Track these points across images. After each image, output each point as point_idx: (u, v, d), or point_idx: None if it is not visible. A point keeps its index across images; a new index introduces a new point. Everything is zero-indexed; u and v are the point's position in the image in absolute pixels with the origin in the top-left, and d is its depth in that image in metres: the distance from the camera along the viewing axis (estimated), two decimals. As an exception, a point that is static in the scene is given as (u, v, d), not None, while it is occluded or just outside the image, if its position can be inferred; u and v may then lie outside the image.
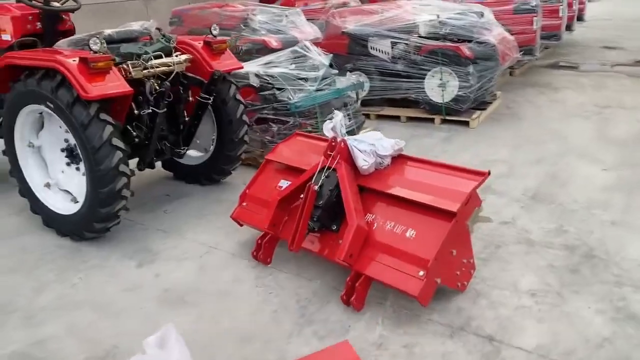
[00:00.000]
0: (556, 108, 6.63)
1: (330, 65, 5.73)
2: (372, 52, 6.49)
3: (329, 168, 3.07)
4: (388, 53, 6.36)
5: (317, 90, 4.93)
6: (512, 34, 7.25)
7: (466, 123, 6.03)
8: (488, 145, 5.39)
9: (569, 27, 9.80)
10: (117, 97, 3.42)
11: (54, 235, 3.80)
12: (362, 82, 5.52)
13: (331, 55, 5.28)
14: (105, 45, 3.58)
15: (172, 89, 4.08)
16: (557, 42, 8.62)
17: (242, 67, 4.40)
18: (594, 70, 8.64)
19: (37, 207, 3.86)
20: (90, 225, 3.55)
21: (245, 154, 4.60)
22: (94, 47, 3.30)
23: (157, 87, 3.69)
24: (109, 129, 3.32)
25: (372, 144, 3.08)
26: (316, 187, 3.00)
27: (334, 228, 3.05)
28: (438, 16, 5.96)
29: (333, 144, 3.10)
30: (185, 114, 4.22)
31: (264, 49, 7.02)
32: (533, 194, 4.17)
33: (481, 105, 6.37)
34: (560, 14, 8.39)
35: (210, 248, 3.60)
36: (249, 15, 7.17)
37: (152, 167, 4.06)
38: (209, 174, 4.57)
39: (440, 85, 6.03)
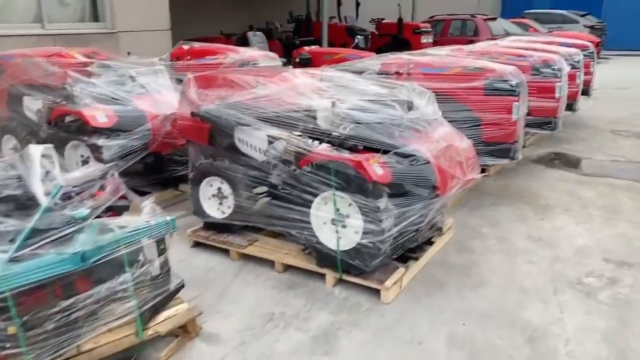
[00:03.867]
0: (541, 259, 3.98)
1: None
2: (240, 147, 3.91)
3: None
4: (263, 153, 3.78)
5: (13, 259, 2.31)
6: (481, 126, 4.73)
7: (376, 292, 3.39)
8: (395, 369, 2.74)
9: (570, 107, 7.27)
10: None
11: None
12: (169, 220, 2.91)
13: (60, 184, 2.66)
14: None
15: None
16: (551, 132, 6.05)
17: None
18: (603, 175, 6.03)
19: None
20: None
21: None
22: None
23: None
24: None
25: None
26: None
27: None
28: (333, 104, 3.39)
29: None
30: None
31: (85, 128, 4.52)
32: None
33: (412, 250, 3.76)
34: (558, 94, 5.85)
35: None
36: (71, 74, 4.64)
37: None
38: None
39: (333, 222, 3.42)
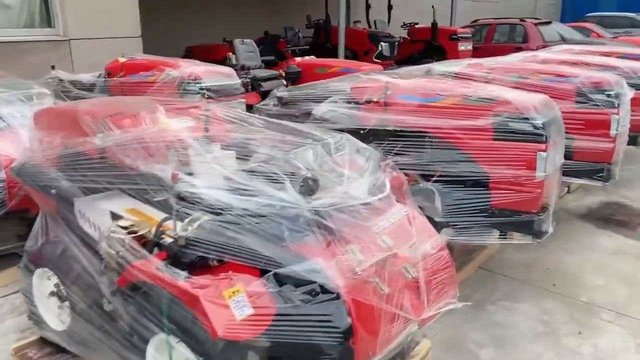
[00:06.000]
0: None
1: None
2: (83, 224, 2.49)
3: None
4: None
5: None
6: (489, 186, 3.15)
7: None
8: None
9: (634, 140, 5.41)
10: None
11: None
12: None
13: None
14: None
15: None
16: (604, 183, 4.28)
17: None
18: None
19: None
20: None
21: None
22: None
23: None
24: None
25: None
26: None
27: None
28: (174, 177, 1.88)
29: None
30: None
31: None
32: None
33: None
34: (614, 131, 4.10)
35: None
36: None
37: None
38: None
39: (174, 390, 1.92)
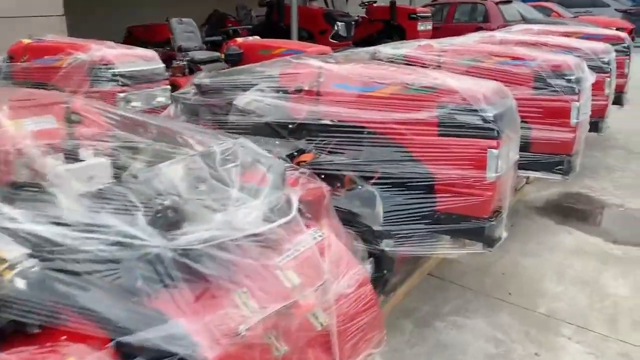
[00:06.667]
0: None
1: None
2: None
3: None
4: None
5: None
6: (434, 188, 2.73)
7: None
8: None
9: (595, 126, 5.10)
10: None
11: None
12: None
13: None
14: None
15: None
16: (563, 177, 3.91)
17: None
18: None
19: None
20: None
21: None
22: None
23: None
24: None
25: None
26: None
27: None
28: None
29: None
30: None
31: None
32: None
33: None
34: (574, 120, 3.72)
35: None
36: None
37: None
38: None
39: None
